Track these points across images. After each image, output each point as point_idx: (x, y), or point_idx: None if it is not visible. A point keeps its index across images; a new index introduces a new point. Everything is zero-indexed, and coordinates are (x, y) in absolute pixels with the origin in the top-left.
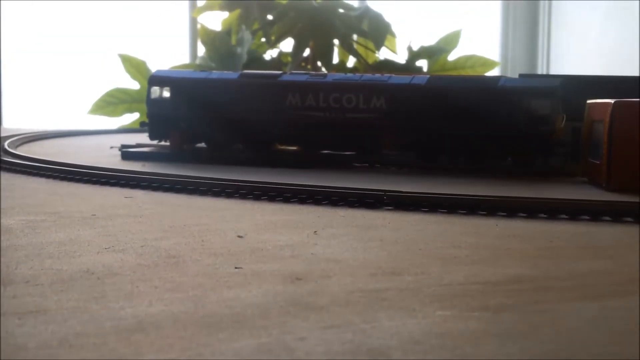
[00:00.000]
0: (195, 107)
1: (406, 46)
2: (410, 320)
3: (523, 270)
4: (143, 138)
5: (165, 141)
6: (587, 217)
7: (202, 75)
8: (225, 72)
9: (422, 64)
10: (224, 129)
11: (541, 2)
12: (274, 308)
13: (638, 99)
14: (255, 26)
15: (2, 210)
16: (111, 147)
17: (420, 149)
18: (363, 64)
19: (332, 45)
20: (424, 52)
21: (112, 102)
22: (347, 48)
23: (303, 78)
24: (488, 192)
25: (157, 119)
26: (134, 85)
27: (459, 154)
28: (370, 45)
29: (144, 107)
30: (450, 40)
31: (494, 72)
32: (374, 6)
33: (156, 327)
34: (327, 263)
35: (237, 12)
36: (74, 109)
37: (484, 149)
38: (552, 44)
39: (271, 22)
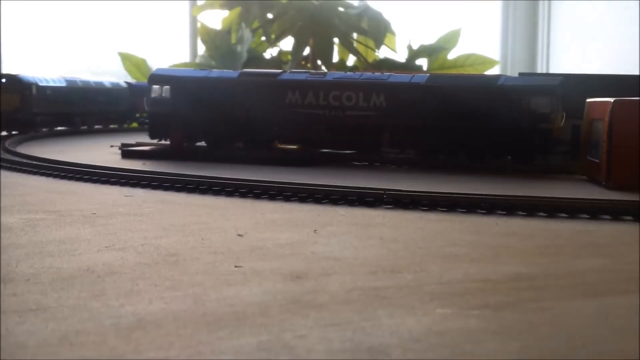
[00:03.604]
0: (195, 105)
1: (406, 45)
2: (410, 318)
3: (523, 268)
4: (143, 137)
5: (166, 140)
6: (586, 216)
7: (202, 73)
8: (225, 70)
9: (422, 62)
10: (224, 128)
11: (540, 2)
12: (274, 306)
13: (638, 98)
14: (255, 25)
15: (2, 209)
16: (111, 146)
17: (420, 147)
18: (363, 63)
19: (332, 43)
20: (424, 51)
21: None
22: (347, 46)
23: (303, 76)
24: (487, 191)
25: (157, 117)
26: None
27: (458, 152)
28: (370, 43)
29: None
30: (450, 39)
31: (494, 71)
32: (374, 5)
33: (156, 325)
34: (327, 261)
35: (238, 10)
36: None
37: (483, 147)
38: (552, 43)
39: (271, 21)
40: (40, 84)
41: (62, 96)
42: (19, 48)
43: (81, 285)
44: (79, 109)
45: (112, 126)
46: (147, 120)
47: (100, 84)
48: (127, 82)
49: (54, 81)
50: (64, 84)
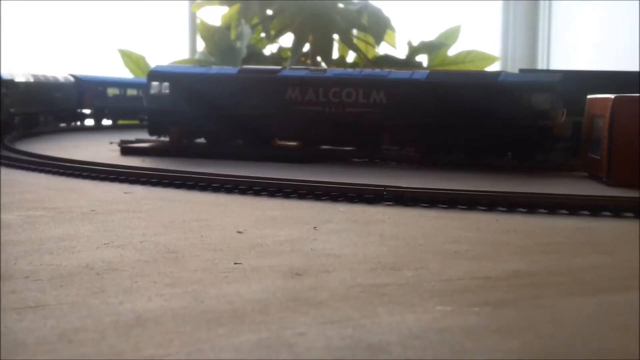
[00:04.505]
0: (194, 102)
1: (406, 41)
2: (410, 315)
3: (523, 265)
4: (142, 133)
5: (165, 136)
6: (587, 212)
7: (202, 70)
8: (225, 67)
9: (422, 58)
10: (224, 124)
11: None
12: (274, 303)
13: (638, 94)
14: (255, 21)
15: (1, 206)
16: (111, 143)
17: (420, 144)
18: (363, 59)
19: (332, 40)
20: (424, 47)
21: None
22: (347, 43)
23: (303, 73)
24: (488, 187)
25: (156, 114)
26: None
27: (458, 148)
28: (370, 40)
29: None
30: (450, 35)
31: (494, 67)
32: (374, 1)
33: (155, 322)
34: (326, 258)
35: (237, 6)
36: None
37: (483, 144)
38: (552, 39)
39: (271, 17)
40: (15, 80)
41: (34, 93)
42: (15, 45)
43: (80, 283)
44: (44, 107)
45: (61, 125)
46: (147, 117)
47: (55, 78)
48: (73, 75)
49: (23, 76)
50: (31, 80)
